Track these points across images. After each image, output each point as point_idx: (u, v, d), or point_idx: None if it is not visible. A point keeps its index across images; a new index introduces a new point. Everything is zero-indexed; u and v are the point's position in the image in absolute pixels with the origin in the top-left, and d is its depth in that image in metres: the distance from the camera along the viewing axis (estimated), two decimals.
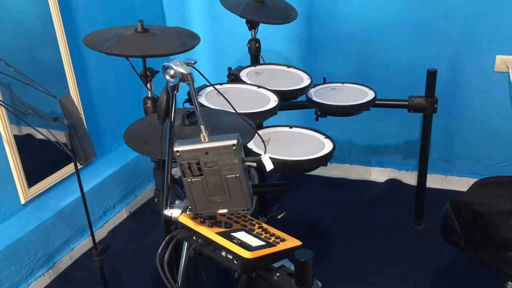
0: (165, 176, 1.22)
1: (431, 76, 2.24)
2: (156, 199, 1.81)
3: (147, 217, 2.78)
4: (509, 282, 1.66)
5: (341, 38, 2.73)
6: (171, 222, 1.32)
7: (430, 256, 2.29)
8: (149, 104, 1.67)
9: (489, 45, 2.50)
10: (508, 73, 2.50)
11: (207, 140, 1.09)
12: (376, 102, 2.22)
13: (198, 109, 1.05)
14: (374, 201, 2.79)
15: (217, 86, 1.95)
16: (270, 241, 1.20)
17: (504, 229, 1.50)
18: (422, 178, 2.48)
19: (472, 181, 2.80)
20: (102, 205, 2.61)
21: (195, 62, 1.06)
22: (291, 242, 1.23)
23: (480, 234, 1.52)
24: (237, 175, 1.11)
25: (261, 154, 1.08)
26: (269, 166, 1.10)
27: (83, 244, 2.47)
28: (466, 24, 2.50)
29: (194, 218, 1.23)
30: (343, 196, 2.84)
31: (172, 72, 1.03)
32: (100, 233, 2.59)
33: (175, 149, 1.09)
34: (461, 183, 2.82)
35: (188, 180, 1.13)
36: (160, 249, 1.19)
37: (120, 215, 2.73)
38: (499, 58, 2.50)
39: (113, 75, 2.70)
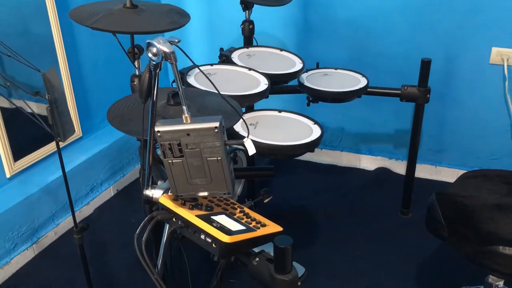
0: (146, 156, 1.20)
1: (425, 65, 2.22)
2: (140, 178, 1.79)
3: (134, 196, 2.77)
4: (490, 276, 1.66)
5: (337, 24, 2.70)
6: (152, 203, 1.31)
7: (416, 246, 2.30)
8: (136, 82, 1.64)
9: (485, 37, 2.47)
10: (503, 65, 2.48)
11: (189, 121, 1.07)
12: (368, 90, 2.20)
13: (180, 89, 1.03)
14: (362, 189, 2.79)
15: (207, 67, 1.92)
16: (251, 226, 1.19)
17: (487, 223, 1.49)
18: (411, 168, 2.48)
19: (461, 172, 2.79)
20: (90, 182, 2.59)
21: (179, 41, 1.04)
22: (272, 227, 1.22)
23: (463, 227, 1.52)
24: (218, 158, 1.09)
25: (244, 137, 1.06)
26: (251, 150, 1.08)
27: (69, 220, 2.45)
28: (463, 15, 2.47)
29: (175, 199, 1.21)
30: (332, 183, 2.84)
31: (154, 50, 1.00)
32: (86, 210, 2.58)
33: (156, 129, 1.07)
34: (451, 174, 2.82)
35: (169, 161, 1.11)
36: (138, 229, 1.17)
37: (107, 193, 2.71)
38: (494, 50, 2.48)
39: (104, 51, 2.66)
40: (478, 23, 2.46)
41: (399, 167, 2.91)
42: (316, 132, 1.68)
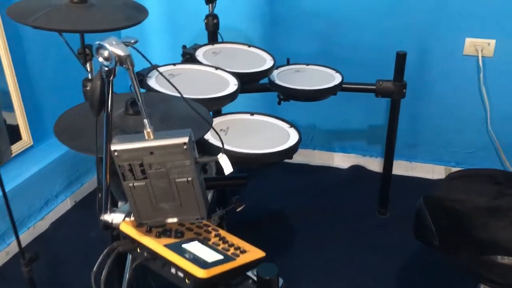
0: (103, 177, 1.02)
1: (401, 59, 2.11)
2: (99, 194, 1.60)
3: (94, 207, 2.54)
4: (482, 284, 1.56)
5: (305, 16, 2.55)
6: (113, 229, 1.13)
7: (396, 247, 2.20)
8: (89, 87, 1.44)
9: (458, 27, 2.38)
10: (477, 56, 2.39)
11: (152, 137, 0.89)
12: (343, 86, 2.07)
13: (140, 100, 0.86)
14: (337, 188, 2.67)
15: (169, 67, 1.73)
16: (229, 253, 1.03)
17: (481, 229, 1.38)
18: (388, 165, 2.37)
19: (436, 168, 2.74)
20: (44, 194, 2.37)
21: (136, 41, 0.86)
22: (253, 253, 1.06)
23: (456, 235, 1.40)
24: (189, 178, 0.92)
25: (218, 151, 0.89)
26: (227, 168, 0.92)
27: (22, 238, 2.22)
28: (436, 5, 2.37)
29: (139, 226, 1.04)
30: (305, 183, 2.71)
31: (106, 53, 0.82)
32: (42, 226, 2.36)
33: (113, 148, 0.89)
34: (426, 170, 2.73)
35: (130, 184, 0.94)
36: (96, 265, 0.99)
37: (64, 205, 2.49)
38: (468, 41, 2.39)
39: (54, 52, 2.42)
40: (450, 13, 2.37)
41: (374, 164, 2.81)
42: (293, 136, 1.53)
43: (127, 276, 1.27)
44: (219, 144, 1.46)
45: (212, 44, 2.05)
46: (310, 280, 2.02)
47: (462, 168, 2.65)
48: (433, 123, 2.63)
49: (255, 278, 1.05)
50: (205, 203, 0.97)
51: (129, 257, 1.21)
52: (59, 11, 1.28)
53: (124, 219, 1.09)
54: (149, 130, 0.88)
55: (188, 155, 0.90)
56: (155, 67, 0.93)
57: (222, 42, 2.11)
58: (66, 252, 2.21)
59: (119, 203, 1.27)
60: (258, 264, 1.06)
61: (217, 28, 2.09)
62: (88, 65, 1.43)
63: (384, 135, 2.53)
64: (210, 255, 1.00)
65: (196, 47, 1.95)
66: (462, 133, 2.59)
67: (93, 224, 2.39)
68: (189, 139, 0.89)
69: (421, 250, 2.16)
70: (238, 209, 1.68)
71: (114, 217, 1.11)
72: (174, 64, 1.76)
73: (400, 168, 2.75)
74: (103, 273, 0.98)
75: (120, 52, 0.81)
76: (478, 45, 2.38)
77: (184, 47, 1.96)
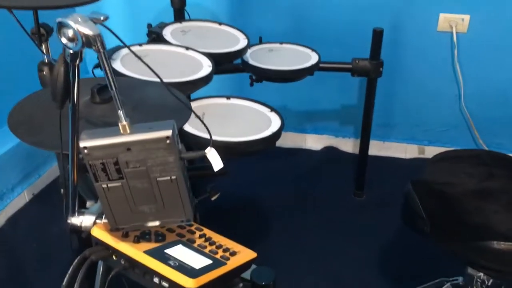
0: (69, 176, 0.88)
1: (377, 36, 2.03)
2: (62, 190, 1.45)
3: (55, 199, 2.38)
4: (469, 267, 1.52)
5: None
6: (82, 233, 1.00)
7: (375, 230, 2.15)
8: (45, 71, 1.29)
9: (431, 2, 2.32)
10: (451, 32, 2.34)
11: (128, 131, 0.76)
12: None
13: (114, 89, 0.72)
14: (311, 171, 2.59)
15: (136, 48, 1.58)
16: (217, 257, 0.92)
17: (474, 214, 1.32)
18: (364, 147, 2.31)
19: (410, 147, 2.70)
20: None
21: (106, 18, 0.72)
22: (244, 255, 0.96)
23: (448, 220, 1.34)
24: (172, 177, 0.80)
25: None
26: (217, 164, 0.80)
27: None
28: None
29: (114, 230, 0.91)
30: (278, 167, 2.61)
31: (70, 33, 0.68)
32: None
33: (82, 144, 0.76)
34: (399, 150, 2.69)
35: (103, 185, 0.80)
36: (66, 279, 0.86)
37: (21, 199, 2.31)
38: (442, 16, 2.33)
39: (3, 31, 2.20)
40: None
41: (347, 145, 2.74)
42: (275, 121, 1.41)
43: (98, 282, 1.14)
44: (196, 130, 1.34)
45: (180, 22, 1.90)
46: (288, 268, 1.93)
47: (435, 147, 2.62)
48: (406, 102, 2.58)
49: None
50: (190, 203, 0.86)
51: (101, 265, 1.08)
52: None
53: (95, 222, 0.96)
54: (124, 123, 0.75)
55: (171, 150, 0.77)
56: (129, 48, 0.79)
57: (191, 20, 1.96)
58: (26, 250, 2.05)
59: (88, 203, 1.13)
60: (250, 266, 0.97)
61: (183, 5, 1.94)
62: (43, 46, 1.26)
63: (357, 115, 2.47)
64: (197, 261, 0.89)
65: (163, 25, 1.80)
66: (436, 111, 2.55)
67: (53, 218, 2.24)
68: (173, 132, 0.76)
69: (401, 233, 2.12)
70: (213, 198, 1.57)
71: (83, 220, 0.97)
72: (140, 45, 1.60)
73: (373, 148, 2.68)
74: (75, 286, 0.85)
75: (88, 31, 0.67)
76: (452, 21, 2.32)
77: (149, 25, 1.80)
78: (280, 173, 2.56)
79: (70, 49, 0.70)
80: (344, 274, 1.93)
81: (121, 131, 0.76)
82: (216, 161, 0.81)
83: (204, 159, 0.84)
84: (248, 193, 2.42)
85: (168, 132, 0.76)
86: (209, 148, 0.81)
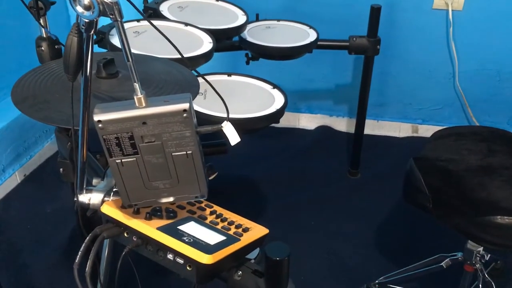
0: (78, 153, 0.86)
1: (375, 13, 2.01)
2: (61, 169, 1.42)
3: (47, 180, 2.35)
4: (469, 241, 1.54)
5: None
6: (89, 211, 0.98)
7: (371, 209, 2.16)
8: (44, 47, 1.25)
9: None
10: (447, 10, 2.33)
11: (143, 104, 0.74)
12: None
13: (131, 60, 0.70)
14: (305, 151, 2.59)
15: (133, 24, 1.54)
16: (231, 233, 0.91)
17: (477, 189, 1.33)
18: (360, 125, 2.31)
19: (403, 125, 2.71)
20: None
21: None
22: (257, 231, 0.95)
23: (451, 196, 1.35)
24: (188, 152, 0.78)
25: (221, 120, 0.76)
26: (233, 138, 0.79)
27: None
28: None
29: (126, 207, 0.89)
30: (271, 147, 2.60)
31: (86, 0, 0.65)
32: None
33: (96, 118, 0.73)
34: (393, 128, 2.70)
35: (117, 161, 0.78)
36: (78, 256, 0.84)
37: (12, 180, 2.28)
38: None
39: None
40: None
41: (341, 124, 2.74)
42: (278, 98, 1.40)
43: (104, 264, 1.13)
44: (200, 108, 1.31)
45: None
46: None
47: (428, 125, 2.64)
48: (400, 80, 2.58)
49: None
50: (205, 178, 0.84)
51: (107, 242, 1.06)
52: None
53: (103, 200, 0.94)
54: (140, 95, 0.73)
55: (188, 124, 0.75)
56: (148, 19, 0.76)
57: None
58: (20, 231, 2.02)
59: (94, 180, 1.11)
60: (262, 242, 0.96)
61: None
62: (41, 20, 1.22)
63: (351, 94, 2.46)
64: (211, 237, 0.88)
65: (159, 1, 1.75)
66: (430, 89, 2.56)
67: (47, 199, 2.21)
68: (190, 105, 0.74)
69: (397, 210, 2.13)
70: (211, 178, 1.55)
71: (91, 197, 0.95)
72: (138, 21, 1.56)
73: (367, 127, 2.66)
74: (88, 265, 0.83)
75: None
76: None
77: (145, 1, 1.75)
78: (274, 152, 2.55)
79: (86, 18, 0.67)
80: (342, 252, 1.94)
81: (137, 104, 0.74)
82: (233, 135, 0.79)
83: (220, 133, 0.82)
84: (242, 172, 2.40)
85: (186, 105, 0.74)
86: (225, 122, 0.79)
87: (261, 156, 2.51)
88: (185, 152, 0.78)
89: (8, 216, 2.11)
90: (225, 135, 0.80)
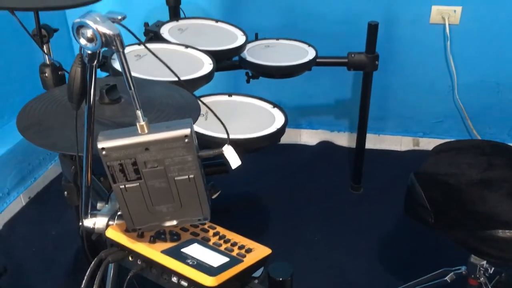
0: (83, 178, 0.87)
1: (373, 29, 2.03)
2: (65, 192, 1.44)
3: (51, 202, 2.36)
4: (473, 255, 1.54)
5: None
6: (94, 234, 0.99)
7: (373, 223, 2.16)
8: (47, 73, 1.27)
9: None
10: (444, 24, 2.36)
11: (146, 131, 0.76)
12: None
13: (133, 88, 0.72)
14: (307, 166, 2.60)
15: (134, 48, 1.57)
16: (234, 254, 0.92)
17: (478, 203, 1.34)
18: (361, 140, 2.32)
19: (405, 139, 2.72)
20: None
21: (124, 17, 0.72)
22: (260, 251, 0.96)
23: (452, 210, 1.35)
24: (190, 176, 0.80)
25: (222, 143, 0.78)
26: (234, 162, 0.80)
27: None
28: None
29: (128, 230, 0.91)
30: (274, 163, 2.61)
31: (89, 33, 0.67)
32: None
33: (100, 145, 0.75)
34: (394, 142, 2.71)
35: (121, 186, 0.80)
36: (84, 281, 0.86)
37: (17, 203, 2.29)
38: (434, 8, 2.35)
39: (4, 33, 2.17)
40: None
41: (342, 139, 2.75)
42: (278, 117, 1.42)
43: (109, 282, 1.13)
44: (200, 128, 1.33)
45: (177, 21, 1.89)
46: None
47: (430, 138, 2.65)
48: (400, 94, 2.59)
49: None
50: (208, 201, 0.86)
51: (112, 266, 1.07)
52: None
53: (107, 224, 0.96)
54: (143, 122, 0.75)
55: (190, 149, 0.77)
56: (148, 48, 0.79)
57: (187, 18, 1.95)
58: (26, 254, 2.03)
59: (99, 204, 1.12)
60: (265, 262, 0.97)
61: (179, 3, 1.93)
62: (45, 47, 1.25)
63: (352, 109, 2.48)
64: (214, 259, 0.89)
65: (160, 24, 1.79)
66: (429, 102, 2.57)
67: (52, 221, 2.22)
68: (191, 131, 0.76)
69: (401, 224, 2.13)
70: (214, 196, 1.56)
71: (96, 221, 0.96)
72: (139, 44, 1.59)
73: (369, 141, 2.69)
74: None
75: (108, 30, 0.67)
76: (445, 13, 2.34)
77: (146, 24, 1.79)
78: (276, 169, 2.56)
79: (89, 49, 0.69)
80: (345, 267, 1.94)
81: (139, 130, 0.76)
82: (234, 159, 0.81)
83: (221, 156, 0.84)
84: (245, 189, 2.41)
85: (187, 131, 0.76)
86: (226, 145, 0.81)
87: (264, 173, 2.52)
88: (187, 176, 0.80)
89: (13, 239, 2.12)
90: (226, 158, 0.81)
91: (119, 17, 0.70)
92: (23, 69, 2.26)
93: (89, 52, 0.70)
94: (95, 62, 0.72)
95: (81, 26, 0.67)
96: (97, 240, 1.03)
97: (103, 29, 0.67)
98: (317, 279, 1.89)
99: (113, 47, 0.68)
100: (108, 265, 0.92)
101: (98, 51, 0.70)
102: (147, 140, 0.76)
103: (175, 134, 0.76)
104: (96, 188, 1.22)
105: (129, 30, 0.71)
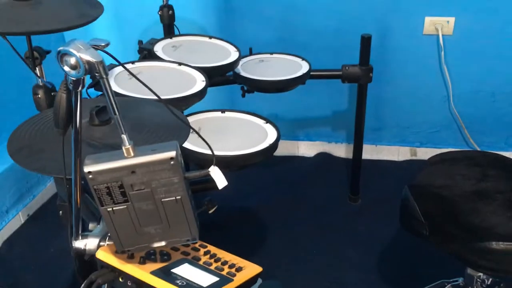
0: (72, 200, 0.88)
1: (366, 42, 2.04)
2: (60, 212, 1.45)
3: (50, 219, 2.36)
4: (468, 268, 1.54)
5: (260, 2, 2.44)
6: (86, 255, 0.99)
7: (372, 235, 2.16)
8: (40, 94, 1.28)
9: (417, 5, 2.34)
10: (438, 35, 2.37)
11: (132, 154, 0.77)
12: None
13: (117, 114, 0.73)
14: (305, 178, 2.60)
15: (128, 66, 1.58)
16: (224, 273, 0.93)
17: (471, 215, 1.34)
18: (357, 151, 2.33)
19: (402, 149, 2.72)
20: None
21: (107, 44, 0.73)
22: (250, 269, 0.96)
23: (446, 222, 1.36)
24: (177, 197, 0.81)
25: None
26: (221, 182, 0.81)
27: None
28: None
29: (119, 252, 0.91)
30: (271, 176, 2.61)
31: (73, 60, 0.69)
32: None
33: (86, 169, 0.76)
34: (391, 152, 2.71)
35: (108, 209, 0.81)
36: None
37: (16, 221, 2.29)
38: (428, 19, 2.36)
39: None
40: None
41: (340, 150, 2.76)
42: (271, 133, 1.42)
43: None
44: (194, 146, 1.34)
45: (171, 38, 1.90)
46: (286, 277, 1.94)
47: (427, 148, 2.65)
48: (396, 105, 2.60)
49: None
50: (196, 221, 0.86)
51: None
52: (1, 11, 1.11)
53: (98, 244, 0.96)
54: (128, 146, 0.76)
55: (176, 171, 0.78)
56: (131, 73, 0.80)
57: (181, 35, 1.97)
58: (25, 272, 2.03)
59: (90, 225, 1.13)
60: (256, 281, 0.98)
61: (173, 20, 1.95)
62: (37, 70, 1.26)
63: (348, 120, 2.48)
64: (204, 279, 0.89)
65: (154, 41, 1.80)
66: (425, 113, 2.58)
67: (50, 238, 2.22)
68: (176, 153, 0.77)
69: (399, 235, 2.13)
70: (211, 211, 1.57)
71: (87, 243, 0.97)
72: (133, 62, 1.61)
73: (366, 152, 2.70)
74: None
75: (90, 58, 0.68)
76: (438, 24, 2.35)
77: (140, 42, 1.80)
78: (274, 181, 2.57)
79: (73, 76, 0.71)
80: (345, 279, 1.94)
81: (125, 154, 0.77)
82: (220, 179, 0.82)
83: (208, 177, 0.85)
84: (243, 203, 2.42)
85: (172, 153, 0.77)
86: (212, 166, 0.82)
87: (262, 185, 2.53)
88: (174, 198, 0.81)
89: (12, 256, 2.13)
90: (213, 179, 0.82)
91: (103, 44, 0.71)
92: (19, 86, 2.27)
93: (73, 79, 0.71)
94: (80, 88, 0.73)
95: (64, 54, 0.68)
96: (92, 260, 1.03)
97: (86, 57, 0.68)
98: None
99: (97, 74, 0.69)
100: (100, 287, 0.93)
101: (82, 78, 0.71)
102: (133, 163, 0.77)
103: (161, 157, 0.77)
104: (91, 208, 1.23)
105: (113, 57, 0.72)
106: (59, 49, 0.68)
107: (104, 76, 0.70)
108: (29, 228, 2.31)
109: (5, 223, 2.23)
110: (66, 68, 0.69)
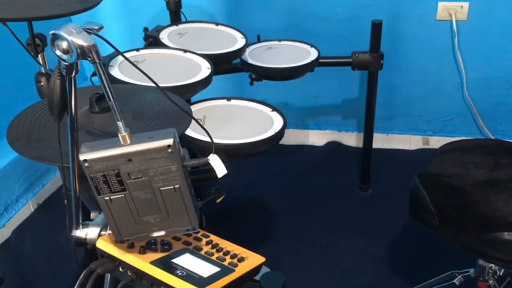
0: (71, 189, 0.87)
1: (376, 28, 2.00)
2: (65, 201, 1.44)
3: (60, 208, 2.37)
4: (480, 259, 1.50)
5: None
6: (87, 245, 0.98)
7: (382, 225, 2.13)
8: (43, 82, 1.27)
9: None
10: (451, 21, 2.31)
11: (128, 141, 0.75)
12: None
13: (112, 100, 0.70)
14: (314, 167, 2.58)
15: (133, 53, 1.56)
16: (225, 263, 0.90)
17: (483, 205, 1.30)
18: (368, 140, 2.29)
19: (414, 138, 2.68)
20: (2, 199, 2.18)
21: (101, 27, 0.70)
22: (252, 260, 0.94)
23: (457, 213, 1.32)
24: (176, 186, 0.79)
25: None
26: (220, 171, 0.79)
27: None
28: None
29: (119, 242, 0.90)
30: (281, 165, 2.59)
31: (64, 45, 0.66)
32: (3, 234, 2.17)
33: (82, 157, 0.74)
34: (403, 141, 2.67)
35: (106, 198, 0.79)
36: None
37: (26, 209, 2.30)
38: (441, 5, 2.31)
39: None
40: None
41: (350, 139, 2.72)
42: (277, 121, 1.40)
43: None
44: (197, 134, 1.32)
45: (177, 25, 1.88)
46: (294, 267, 1.92)
47: (439, 137, 2.60)
48: (408, 93, 2.55)
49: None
50: (195, 211, 0.84)
51: (108, 277, 1.07)
52: None
53: (100, 234, 0.95)
54: (124, 133, 0.74)
55: (174, 159, 0.76)
56: (123, 55, 0.77)
57: (187, 22, 1.94)
58: (34, 260, 2.04)
59: (92, 214, 1.12)
60: (258, 271, 0.95)
61: (179, 7, 1.92)
62: (40, 57, 1.25)
63: (359, 109, 2.44)
64: (205, 269, 0.87)
65: (159, 28, 1.78)
66: (438, 100, 2.53)
67: (60, 227, 2.23)
68: (174, 141, 0.75)
69: (409, 226, 2.10)
70: (218, 200, 1.55)
71: (87, 232, 0.96)
72: (138, 50, 1.59)
73: (377, 141, 2.67)
74: None
75: (82, 42, 0.66)
76: (451, 9, 2.29)
77: (146, 29, 1.78)
78: (284, 170, 2.54)
79: (65, 61, 0.68)
80: (354, 269, 1.91)
81: (121, 142, 0.75)
82: (219, 168, 0.79)
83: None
84: (252, 192, 2.40)
85: (169, 141, 0.74)
86: (211, 155, 0.79)
87: (271, 174, 2.51)
88: (172, 187, 0.79)
89: (23, 245, 2.14)
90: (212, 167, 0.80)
91: (96, 28, 0.69)
92: (24, 75, 2.27)
93: (66, 63, 0.69)
94: (74, 74, 0.71)
95: (56, 37, 0.66)
96: (94, 251, 1.02)
97: (78, 41, 0.66)
98: (326, 282, 1.87)
99: (89, 59, 0.67)
100: (99, 276, 0.91)
101: (75, 62, 0.69)
102: (130, 151, 0.75)
103: (158, 145, 0.74)
104: (91, 194, 1.21)
105: (106, 40, 0.70)
106: (50, 32, 0.66)
107: (97, 61, 0.67)
108: (38, 217, 2.32)
109: (14, 212, 2.24)
110: (58, 53, 0.67)
